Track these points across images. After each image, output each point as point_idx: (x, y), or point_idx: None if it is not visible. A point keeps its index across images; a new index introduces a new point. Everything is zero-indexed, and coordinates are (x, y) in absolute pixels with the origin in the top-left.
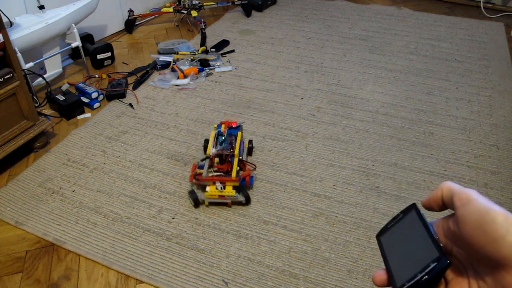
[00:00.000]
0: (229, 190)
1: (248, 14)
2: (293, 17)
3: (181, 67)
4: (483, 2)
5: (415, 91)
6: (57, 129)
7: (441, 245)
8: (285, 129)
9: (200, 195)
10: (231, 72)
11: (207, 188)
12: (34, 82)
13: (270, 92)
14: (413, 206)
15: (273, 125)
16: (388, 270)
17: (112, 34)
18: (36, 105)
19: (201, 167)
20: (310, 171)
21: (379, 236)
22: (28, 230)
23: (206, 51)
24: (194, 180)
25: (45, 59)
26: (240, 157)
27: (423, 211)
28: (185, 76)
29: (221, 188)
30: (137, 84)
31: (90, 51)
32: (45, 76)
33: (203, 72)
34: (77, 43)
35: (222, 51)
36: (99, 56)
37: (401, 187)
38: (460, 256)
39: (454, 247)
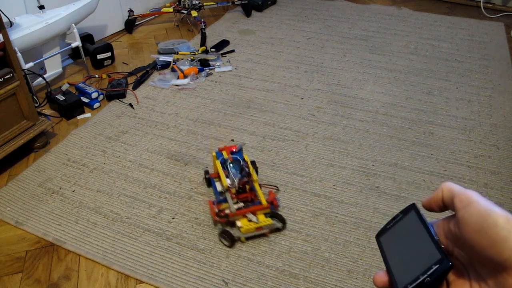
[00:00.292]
0: (263, 219)
1: (248, 14)
2: (293, 17)
3: (181, 67)
4: (483, 2)
5: (415, 91)
6: (57, 129)
7: (442, 246)
8: (285, 129)
9: (234, 232)
10: (231, 72)
11: (239, 223)
12: (34, 82)
13: (270, 92)
14: (413, 206)
15: (273, 125)
16: (389, 271)
17: (112, 34)
18: (36, 105)
19: (221, 202)
20: (310, 171)
21: (378, 236)
22: (28, 230)
23: (206, 51)
24: (218, 219)
25: (45, 59)
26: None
27: (423, 211)
28: (185, 76)
29: (256, 219)
30: (137, 84)
31: (90, 51)
32: (45, 76)
33: (203, 72)
34: (77, 43)
35: (222, 51)
36: (99, 56)
37: (401, 187)
38: (461, 257)
39: (455, 249)
